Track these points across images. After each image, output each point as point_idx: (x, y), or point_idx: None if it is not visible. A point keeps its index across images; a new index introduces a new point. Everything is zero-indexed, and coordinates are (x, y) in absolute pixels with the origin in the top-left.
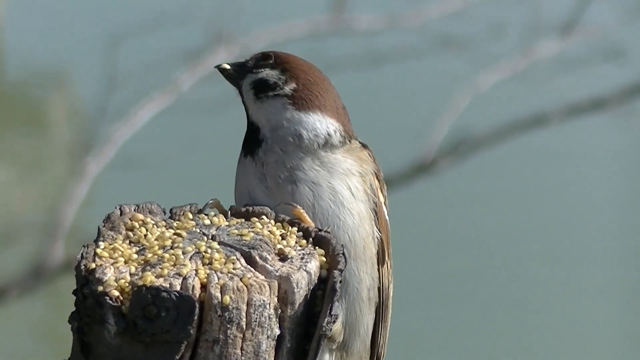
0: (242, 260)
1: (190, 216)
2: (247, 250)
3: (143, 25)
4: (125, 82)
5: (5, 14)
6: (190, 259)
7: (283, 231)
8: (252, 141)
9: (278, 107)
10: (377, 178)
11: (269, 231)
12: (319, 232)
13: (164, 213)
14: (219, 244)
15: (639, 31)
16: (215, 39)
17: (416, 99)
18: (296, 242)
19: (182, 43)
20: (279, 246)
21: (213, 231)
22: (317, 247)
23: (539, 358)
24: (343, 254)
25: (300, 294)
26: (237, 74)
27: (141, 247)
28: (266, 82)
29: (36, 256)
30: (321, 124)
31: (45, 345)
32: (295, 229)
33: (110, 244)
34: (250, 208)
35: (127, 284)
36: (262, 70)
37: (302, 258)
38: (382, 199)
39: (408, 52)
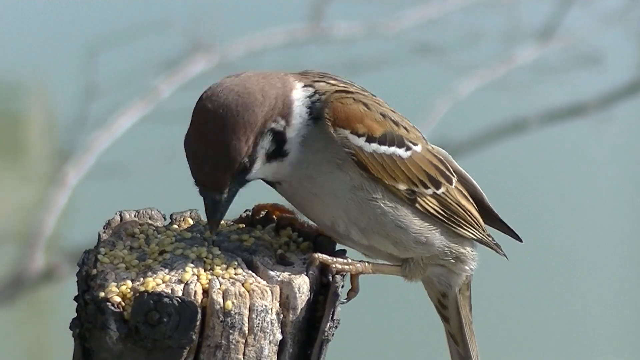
0: (244, 266)
1: (191, 222)
2: (248, 255)
3: (121, 34)
4: (103, 90)
5: None
6: (192, 264)
7: (285, 237)
8: None
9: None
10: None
11: (270, 236)
12: (319, 237)
13: (164, 219)
14: (220, 250)
15: (616, 37)
16: (194, 47)
17: (395, 107)
18: (298, 247)
19: (160, 52)
20: (280, 251)
21: (214, 237)
22: (318, 252)
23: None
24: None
25: (302, 299)
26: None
27: (142, 253)
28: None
29: (16, 265)
30: None
31: (24, 355)
32: (296, 234)
33: (110, 250)
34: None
35: (129, 290)
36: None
37: (303, 263)
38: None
39: (386, 60)
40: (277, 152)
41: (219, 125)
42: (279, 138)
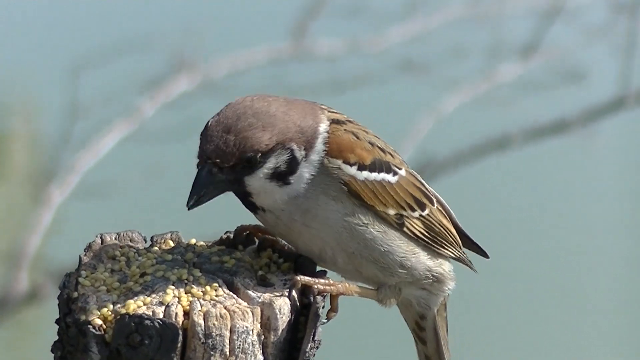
0: (225, 287)
1: (172, 244)
2: (229, 277)
3: (104, 53)
4: (87, 110)
5: None
6: (173, 286)
7: (265, 258)
8: None
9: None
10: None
11: (251, 257)
12: (300, 258)
13: (145, 241)
14: (201, 272)
15: (599, 53)
16: (177, 66)
17: (379, 124)
18: (278, 268)
19: (143, 71)
20: (260, 272)
21: (195, 258)
22: (299, 273)
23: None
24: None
25: (283, 320)
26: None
27: (123, 276)
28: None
29: (0, 285)
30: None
31: None
32: (276, 255)
33: (92, 273)
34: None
35: (110, 313)
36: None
37: (284, 284)
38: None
39: (370, 77)
40: (282, 176)
41: (248, 118)
42: (292, 164)
